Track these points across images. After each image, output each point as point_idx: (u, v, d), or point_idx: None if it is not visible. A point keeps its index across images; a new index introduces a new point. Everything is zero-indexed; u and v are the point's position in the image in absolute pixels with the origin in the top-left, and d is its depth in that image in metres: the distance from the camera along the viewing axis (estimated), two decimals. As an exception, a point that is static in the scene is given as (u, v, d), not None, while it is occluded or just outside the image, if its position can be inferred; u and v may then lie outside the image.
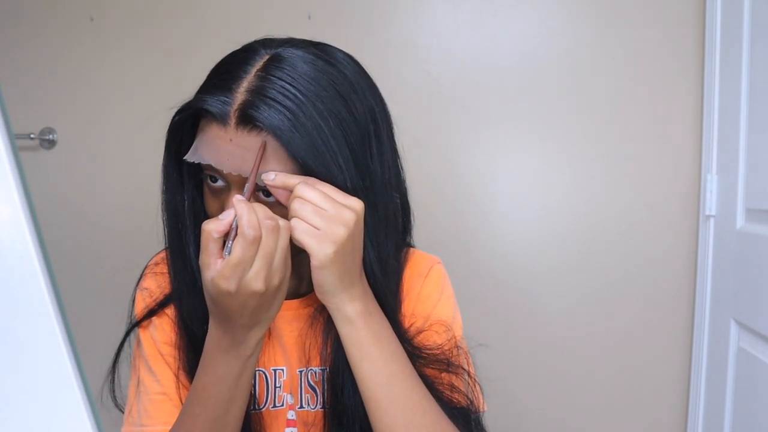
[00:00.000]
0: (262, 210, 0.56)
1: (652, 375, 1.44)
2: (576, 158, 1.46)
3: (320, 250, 0.57)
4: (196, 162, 0.62)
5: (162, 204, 0.69)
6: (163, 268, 0.75)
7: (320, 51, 0.64)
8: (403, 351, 0.65)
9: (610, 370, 1.47)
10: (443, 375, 0.70)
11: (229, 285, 0.54)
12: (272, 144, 0.59)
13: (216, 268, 0.55)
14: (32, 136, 1.64)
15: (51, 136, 1.65)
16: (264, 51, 0.62)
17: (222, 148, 0.60)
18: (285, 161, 0.60)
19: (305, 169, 0.60)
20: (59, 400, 0.28)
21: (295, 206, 0.58)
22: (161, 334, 0.72)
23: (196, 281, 0.68)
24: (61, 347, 0.27)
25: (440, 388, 0.69)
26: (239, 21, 1.54)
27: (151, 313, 0.73)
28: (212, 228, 0.55)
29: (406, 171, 0.74)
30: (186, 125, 0.64)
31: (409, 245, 0.79)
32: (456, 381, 0.71)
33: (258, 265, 0.55)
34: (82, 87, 1.64)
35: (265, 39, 0.65)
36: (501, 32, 1.47)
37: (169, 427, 0.67)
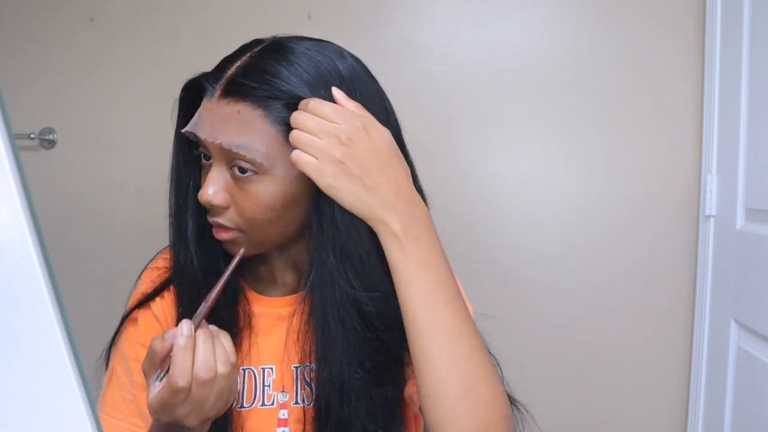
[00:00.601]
0: (204, 354, 0.54)
1: (652, 375, 1.44)
2: (576, 158, 1.46)
3: (320, 175, 0.59)
4: (184, 132, 0.65)
5: (170, 174, 0.71)
6: (159, 263, 0.76)
7: (320, 45, 0.65)
8: (456, 284, 0.63)
9: (610, 370, 1.47)
10: None
11: (159, 415, 0.55)
12: (249, 114, 0.61)
13: (151, 389, 0.55)
14: (32, 136, 1.64)
15: (51, 136, 1.65)
16: (268, 39, 0.66)
17: (205, 117, 0.63)
18: (264, 131, 0.61)
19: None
20: (59, 400, 0.28)
21: (294, 134, 0.59)
22: (142, 334, 0.72)
23: (193, 254, 0.69)
24: (61, 347, 0.27)
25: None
26: (239, 21, 1.54)
27: (140, 304, 0.73)
28: (156, 347, 0.55)
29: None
30: (192, 103, 0.66)
31: None
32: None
33: (187, 409, 0.54)
34: (82, 87, 1.64)
35: (275, 35, 0.67)
36: (501, 32, 1.47)
37: (134, 428, 0.68)
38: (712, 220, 1.34)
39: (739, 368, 1.22)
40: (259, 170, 0.62)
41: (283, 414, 0.71)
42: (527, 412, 0.72)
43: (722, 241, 1.30)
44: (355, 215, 0.62)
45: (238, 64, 0.62)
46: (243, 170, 0.62)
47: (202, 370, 0.53)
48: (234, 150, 0.61)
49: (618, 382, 1.47)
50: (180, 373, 0.53)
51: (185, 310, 0.70)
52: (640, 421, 1.46)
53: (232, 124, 0.61)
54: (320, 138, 0.58)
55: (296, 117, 0.59)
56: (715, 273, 1.32)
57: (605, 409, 1.48)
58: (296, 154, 0.59)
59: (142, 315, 0.73)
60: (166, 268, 0.74)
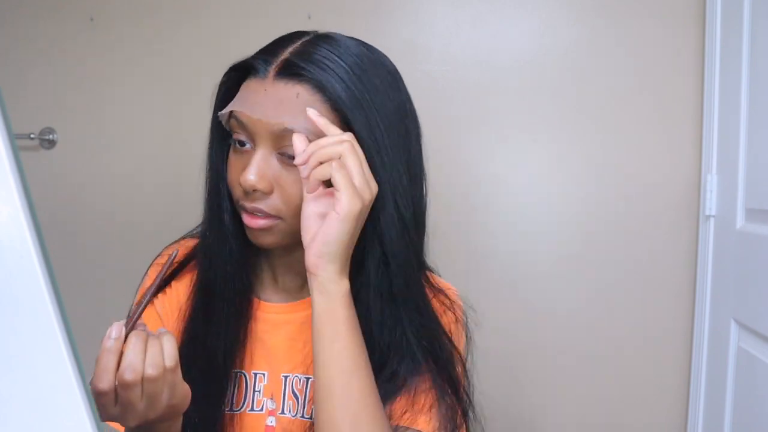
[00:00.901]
0: (131, 356, 0.52)
1: (652, 375, 1.44)
2: (576, 158, 1.46)
3: (351, 202, 0.58)
4: (228, 119, 0.63)
5: (206, 163, 0.70)
6: (164, 259, 0.75)
7: (365, 44, 0.67)
8: (365, 349, 0.62)
9: (610, 370, 1.47)
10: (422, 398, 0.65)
11: (101, 416, 0.53)
12: (308, 96, 0.61)
13: (102, 382, 0.52)
14: (32, 136, 1.64)
15: (51, 136, 1.65)
16: (312, 32, 0.66)
17: (255, 99, 0.62)
18: (326, 114, 0.61)
19: (347, 122, 0.61)
20: (59, 400, 0.28)
21: (346, 152, 0.58)
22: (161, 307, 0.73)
23: (227, 238, 0.69)
24: (61, 347, 0.27)
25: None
26: (239, 21, 1.54)
27: (159, 289, 0.73)
28: (108, 347, 0.53)
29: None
30: (232, 89, 0.66)
31: (427, 267, 0.77)
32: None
33: (118, 410, 0.53)
34: (82, 87, 1.64)
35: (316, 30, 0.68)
36: (501, 32, 1.47)
37: None
38: (712, 220, 1.34)
39: (739, 368, 1.22)
40: None
41: (271, 421, 0.70)
42: None
43: (722, 241, 1.30)
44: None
45: (290, 49, 0.62)
46: (291, 156, 0.62)
47: (126, 372, 0.51)
48: (301, 131, 0.60)
49: (618, 382, 1.47)
50: (99, 375, 0.51)
51: (201, 297, 0.70)
52: (640, 422, 1.46)
53: (290, 106, 0.60)
54: (361, 178, 0.59)
55: (347, 150, 0.59)
56: (715, 273, 1.32)
57: (605, 409, 1.48)
58: (341, 168, 0.59)
59: (146, 311, 0.73)
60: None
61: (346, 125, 0.62)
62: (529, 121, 1.47)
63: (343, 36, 0.66)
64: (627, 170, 1.43)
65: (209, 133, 0.69)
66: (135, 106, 1.60)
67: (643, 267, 1.44)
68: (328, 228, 0.58)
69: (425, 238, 0.74)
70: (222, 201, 0.69)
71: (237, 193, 0.65)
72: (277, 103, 0.60)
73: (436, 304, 0.71)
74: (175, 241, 0.79)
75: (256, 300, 0.74)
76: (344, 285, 0.60)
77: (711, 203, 1.33)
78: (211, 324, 0.69)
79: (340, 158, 0.58)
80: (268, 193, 0.63)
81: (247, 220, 0.65)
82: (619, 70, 1.42)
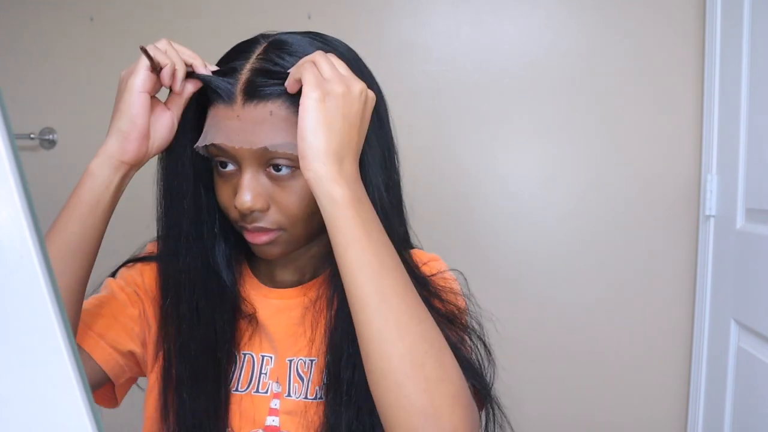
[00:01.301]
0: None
1: (652, 375, 1.44)
2: (576, 158, 1.46)
3: (311, 90, 0.57)
4: (206, 145, 0.63)
5: (158, 193, 0.71)
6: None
7: (316, 35, 0.67)
8: (395, 253, 0.59)
9: (610, 370, 1.47)
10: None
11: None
12: (280, 112, 0.61)
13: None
14: (32, 136, 1.64)
15: (51, 136, 1.65)
16: (263, 40, 0.66)
17: (230, 126, 0.61)
18: (296, 128, 0.61)
19: None
20: (59, 400, 0.28)
21: (317, 56, 0.60)
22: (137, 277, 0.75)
23: (190, 271, 0.69)
24: (61, 347, 0.27)
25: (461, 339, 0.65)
26: (239, 21, 1.54)
27: (138, 259, 0.77)
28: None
29: (405, 171, 0.74)
30: (193, 112, 0.66)
31: (411, 246, 0.78)
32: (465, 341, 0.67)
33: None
34: (82, 87, 1.64)
35: (263, 33, 0.68)
36: (501, 32, 1.47)
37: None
38: (712, 220, 1.34)
39: (739, 368, 1.22)
40: (296, 164, 0.61)
41: (275, 404, 0.71)
42: (504, 416, 0.69)
43: (722, 241, 1.30)
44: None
45: (247, 67, 0.62)
46: (279, 168, 0.62)
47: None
48: (280, 150, 0.61)
49: (618, 382, 1.47)
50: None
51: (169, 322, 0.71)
52: (640, 421, 1.46)
53: (267, 126, 0.61)
54: (331, 71, 0.59)
55: (317, 55, 0.60)
56: (715, 273, 1.32)
57: (605, 409, 1.48)
58: (304, 62, 0.59)
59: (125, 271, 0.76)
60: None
61: None
62: (528, 121, 1.47)
63: (293, 35, 0.66)
64: (627, 170, 1.44)
65: (166, 160, 0.70)
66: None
67: (643, 267, 1.44)
68: (300, 122, 0.57)
69: (406, 218, 0.75)
70: (185, 225, 0.70)
71: (233, 215, 0.66)
72: (252, 126, 0.61)
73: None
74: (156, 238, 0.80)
75: (261, 285, 0.75)
76: (343, 189, 0.57)
77: (711, 203, 1.33)
78: (199, 305, 0.70)
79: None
80: (265, 210, 0.64)
81: (251, 237, 0.66)
82: (619, 69, 1.42)
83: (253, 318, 0.73)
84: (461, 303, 0.72)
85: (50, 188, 1.70)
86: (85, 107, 1.64)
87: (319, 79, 0.57)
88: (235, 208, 0.63)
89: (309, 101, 0.56)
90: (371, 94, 0.61)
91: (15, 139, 0.26)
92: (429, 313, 0.58)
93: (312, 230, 0.68)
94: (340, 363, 0.64)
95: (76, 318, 0.65)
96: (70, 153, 1.65)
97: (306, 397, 0.70)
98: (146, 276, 0.76)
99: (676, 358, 1.43)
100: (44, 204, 1.81)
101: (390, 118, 0.71)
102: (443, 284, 0.71)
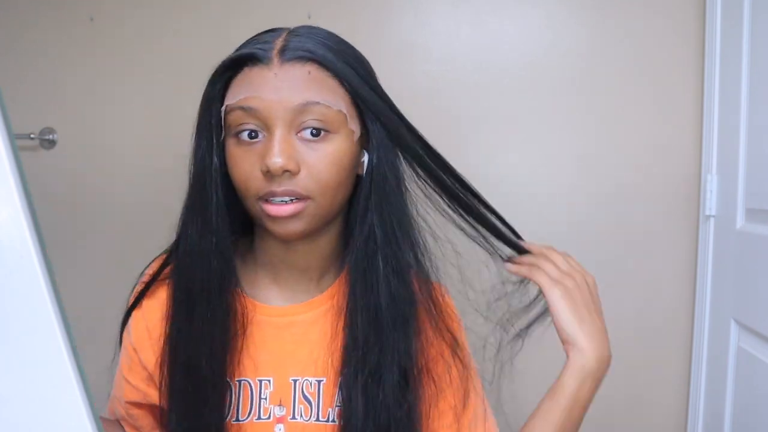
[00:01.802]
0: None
1: (652, 375, 1.44)
2: (576, 158, 1.46)
3: (550, 289, 0.70)
4: (230, 111, 0.62)
5: (191, 161, 0.67)
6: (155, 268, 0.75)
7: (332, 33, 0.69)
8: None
9: (609, 370, 1.47)
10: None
11: None
12: (318, 74, 0.62)
13: None
14: (32, 136, 1.64)
15: (51, 136, 1.65)
16: (284, 29, 0.67)
17: (265, 84, 0.61)
18: (334, 89, 0.62)
19: (354, 95, 0.64)
20: (59, 400, 0.28)
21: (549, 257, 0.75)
22: (134, 337, 0.72)
23: (213, 241, 0.66)
24: (61, 347, 0.27)
25: None
26: (239, 21, 1.54)
27: (141, 294, 0.72)
28: None
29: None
30: (222, 82, 0.65)
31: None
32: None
33: None
34: (82, 87, 1.64)
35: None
36: (501, 32, 1.47)
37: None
38: (712, 220, 1.34)
39: (739, 368, 1.22)
40: (332, 128, 0.62)
41: (279, 429, 0.68)
42: None
43: (722, 241, 1.30)
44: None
45: (283, 37, 0.64)
46: (316, 132, 0.62)
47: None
48: (323, 104, 0.61)
49: (618, 382, 1.46)
50: None
51: (179, 307, 0.68)
52: (640, 421, 1.46)
53: (307, 83, 0.61)
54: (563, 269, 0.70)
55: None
56: (715, 273, 1.32)
57: (605, 409, 1.47)
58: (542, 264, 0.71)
59: (135, 315, 0.73)
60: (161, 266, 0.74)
61: (353, 98, 0.65)
62: (528, 121, 1.47)
63: (314, 28, 0.68)
64: (627, 170, 1.43)
65: (195, 134, 0.67)
66: (135, 105, 1.60)
67: (643, 267, 1.44)
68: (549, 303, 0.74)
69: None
70: (207, 200, 0.66)
71: (256, 186, 0.62)
72: (291, 82, 0.61)
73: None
74: (158, 257, 0.76)
75: (254, 303, 0.71)
76: (598, 365, 0.76)
77: (711, 203, 1.33)
78: (193, 327, 0.66)
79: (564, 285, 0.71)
80: (296, 173, 0.61)
81: (274, 210, 0.62)
82: (619, 69, 1.42)
83: (243, 337, 0.69)
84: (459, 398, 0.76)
85: (50, 188, 1.70)
86: (85, 107, 1.64)
87: (554, 280, 0.75)
88: (263, 173, 0.60)
89: (552, 298, 0.76)
90: (590, 279, 0.79)
91: (15, 139, 0.26)
92: None
93: (336, 205, 0.66)
94: (354, 382, 0.62)
95: None
96: (70, 153, 1.65)
97: (318, 420, 0.68)
98: (148, 318, 0.71)
99: (676, 358, 1.43)
100: (44, 204, 1.81)
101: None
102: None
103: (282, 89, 0.60)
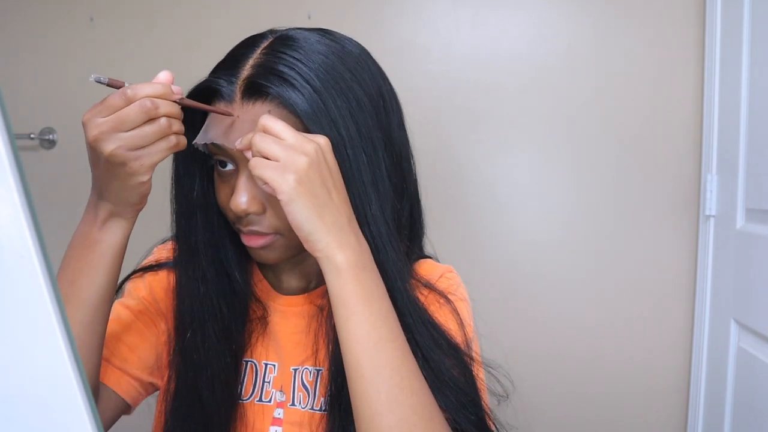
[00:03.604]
0: (164, 101, 0.54)
1: (652, 375, 1.44)
2: (576, 158, 1.46)
3: (282, 180, 0.53)
4: (205, 143, 0.62)
5: (171, 193, 0.69)
6: (162, 254, 0.77)
7: (326, 32, 0.65)
8: (396, 318, 0.59)
9: (610, 370, 1.47)
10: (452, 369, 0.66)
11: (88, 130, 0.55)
12: (279, 112, 0.59)
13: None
14: (32, 136, 1.64)
15: (51, 136, 1.65)
16: (270, 35, 0.64)
17: (228, 125, 0.60)
18: (297, 127, 0.59)
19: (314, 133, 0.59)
20: (59, 400, 0.28)
21: (256, 139, 0.55)
22: (144, 286, 0.74)
23: (205, 274, 0.68)
24: (61, 347, 0.27)
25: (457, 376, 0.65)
26: (239, 21, 1.54)
27: (145, 269, 0.75)
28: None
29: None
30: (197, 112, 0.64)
31: (421, 255, 0.76)
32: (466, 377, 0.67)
33: (105, 124, 0.54)
34: (82, 87, 1.64)
35: (273, 29, 0.67)
36: (501, 31, 1.47)
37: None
38: (712, 220, 1.34)
39: (739, 368, 1.22)
40: None
41: (278, 413, 0.70)
42: None
43: (722, 241, 1.30)
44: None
45: (251, 63, 0.60)
46: None
47: (148, 101, 0.53)
48: None
49: (618, 382, 1.47)
50: (136, 87, 0.54)
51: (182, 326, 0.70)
52: (640, 421, 1.46)
53: None
54: (283, 150, 0.55)
55: (257, 139, 0.56)
56: (715, 273, 1.32)
57: (605, 409, 1.48)
58: (255, 160, 0.55)
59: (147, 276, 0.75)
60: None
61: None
62: (529, 121, 1.47)
63: (304, 32, 0.63)
64: (627, 170, 1.44)
65: (172, 163, 0.68)
66: (135, 106, 1.60)
67: (643, 267, 1.44)
68: (288, 215, 0.55)
69: (424, 227, 0.74)
70: (194, 235, 0.68)
71: (230, 216, 0.65)
72: (250, 125, 0.59)
73: (432, 300, 0.71)
74: (166, 240, 0.79)
75: (270, 291, 0.74)
76: (346, 254, 0.56)
77: (711, 203, 1.33)
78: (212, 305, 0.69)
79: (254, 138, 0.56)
80: (261, 213, 0.62)
81: (247, 240, 0.64)
82: (619, 69, 1.42)
83: (262, 321, 0.71)
84: (470, 333, 0.71)
85: (50, 188, 1.70)
86: (85, 107, 1.63)
87: (276, 169, 0.54)
88: (231, 210, 0.62)
89: (284, 195, 0.54)
90: (322, 141, 0.57)
91: (15, 139, 0.26)
92: (423, 380, 0.59)
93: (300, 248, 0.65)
94: (344, 375, 0.62)
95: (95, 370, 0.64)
96: (70, 153, 1.65)
97: (313, 408, 0.70)
98: (155, 288, 0.74)
99: (676, 358, 1.43)
100: (44, 204, 1.81)
101: (404, 117, 0.70)
102: (451, 317, 0.70)
103: (243, 131, 0.59)
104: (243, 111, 0.59)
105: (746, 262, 1.19)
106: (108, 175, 0.56)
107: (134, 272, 0.76)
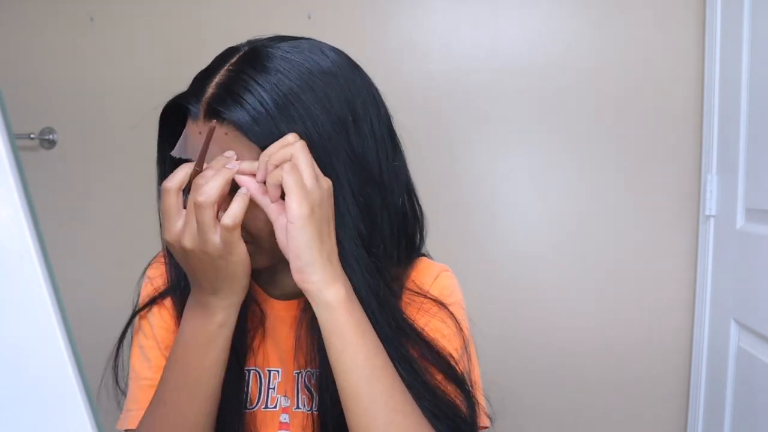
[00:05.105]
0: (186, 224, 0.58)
1: (652, 375, 1.44)
2: (576, 158, 1.46)
3: (299, 205, 0.56)
4: (176, 156, 0.64)
5: (158, 198, 0.69)
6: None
7: (298, 45, 0.64)
8: (383, 349, 0.61)
9: (610, 370, 1.47)
10: (443, 380, 0.67)
11: (176, 242, 0.58)
12: (235, 133, 0.60)
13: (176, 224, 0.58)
14: (32, 136, 1.64)
15: (51, 136, 1.65)
16: (245, 47, 0.65)
17: (193, 140, 0.62)
18: (250, 149, 0.60)
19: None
20: (59, 400, 0.28)
21: (297, 152, 0.57)
22: (159, 320, 0.73)
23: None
24: (61, 347, 0.27)
25: (436, 385, 0.66)
26: (239, 21, 1.54)
27: (152, 301, 0.73)
28: (170, 185, 0.58)
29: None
30: (174, 120, 0.66)
31: (420, 254, 0.77)
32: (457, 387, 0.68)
33: (188, 226, 0.57)
34: (82, 87, 1.64)
35: (254, 38, 0.67)
36: (501, 31, 1.47)
37: None
38: (712, 220, 1.34)
39: (739, 368, 1.22)
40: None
41: (285, 418, 0.71)
42: None
43: (722, 241, 1.30)
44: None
45: (216, 80, 0.61)
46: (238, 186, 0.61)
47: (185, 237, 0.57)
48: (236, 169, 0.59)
49: (618, 382, 1.47)
50: (197, 185, 0.57)
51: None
52: (640, 422, 1.46)
53: (224, 145, 0.60)
54: (308, 182, 0.57)
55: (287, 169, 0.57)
56: (715, 273, 1.33)
57: (605, 409, 1.48)
58: (290, 167, 0.57)
59: (156, 306, 0.74)
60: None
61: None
62: (529, 121, 1.47)
63: (279, 46, 0.63)
64: (627, 170, 1.44)
65: (157, 169, 0.69)
66: (135, 106, 1.60)
67: (643, 267, 1.44)
68: (292, 240, 0.57)
69: (424, 227, 0.75)
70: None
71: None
72: (214, 143, 0.60)
73: (427, 307, 0.71)
74: (158, 255, 0.78)
75: (267, 297, 0.74)
76: (338, 290, 0.59)
77: (711, 203, 1.33)
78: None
79: (291, 159, 0.57)
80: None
81: None
82: (619, 69, 1.42)
83: (261, 328, 0.72)
84: (467, 335, 0.72)
85: (50, 188, 1.70)
86: (85, 107, 1.64)
87: (304, 190, 0.56)
88: None
89: (300, 220, 0.56)
90: (329, 183, 0.59)
91: (15, 139, 0.26)
92: (413, 404, 0.61)
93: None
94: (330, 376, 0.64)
95: None
96: (70, 153, 1.65)
97: (313, 409, 0.70)
98: (164, 318, 0.73)
99: (676, 358, 1.43)
100: (44, 204, 1.81)
101: (390, 120, 0.70)
102: (449, 322, 0.71)
103: (205, 148, 0.60)
104: (205, 128, 0.61)
105: (746, 262, 1.19)
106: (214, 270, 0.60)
107: (140, 309, 0.75)
